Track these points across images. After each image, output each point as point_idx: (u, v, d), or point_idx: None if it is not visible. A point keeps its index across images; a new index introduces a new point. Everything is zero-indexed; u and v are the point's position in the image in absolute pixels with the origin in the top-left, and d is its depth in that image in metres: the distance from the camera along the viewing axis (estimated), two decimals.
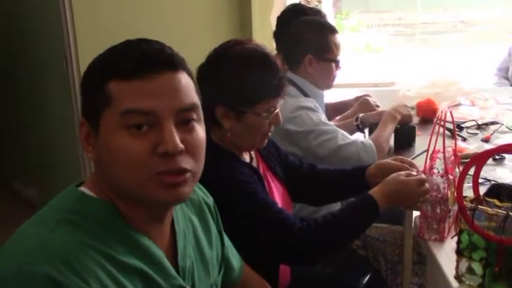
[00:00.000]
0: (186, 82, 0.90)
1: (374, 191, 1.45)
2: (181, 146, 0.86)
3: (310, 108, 2.00)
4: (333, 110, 2.51)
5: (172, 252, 0.98)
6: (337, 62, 2.14)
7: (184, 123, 0.89)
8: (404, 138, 2.16)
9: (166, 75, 0.88)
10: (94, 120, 0.88)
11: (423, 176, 1.47)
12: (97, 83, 0.88)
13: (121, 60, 0.87)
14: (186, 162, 0.88)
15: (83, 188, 0.92)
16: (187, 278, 0.99)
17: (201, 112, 0.93)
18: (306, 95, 2.09)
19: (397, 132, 2.15)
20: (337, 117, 2.46)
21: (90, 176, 0.95)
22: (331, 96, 2.57)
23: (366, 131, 2.24)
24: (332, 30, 2.14)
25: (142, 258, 0.89)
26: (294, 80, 2.09)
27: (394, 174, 1.48)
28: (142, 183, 0.86)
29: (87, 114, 0.90)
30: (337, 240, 1.42)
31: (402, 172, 1.49)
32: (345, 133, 2.02)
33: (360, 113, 2.32)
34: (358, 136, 2.22)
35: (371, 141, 2.00)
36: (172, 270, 0.94)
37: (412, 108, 2.58)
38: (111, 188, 0.90)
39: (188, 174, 0.89)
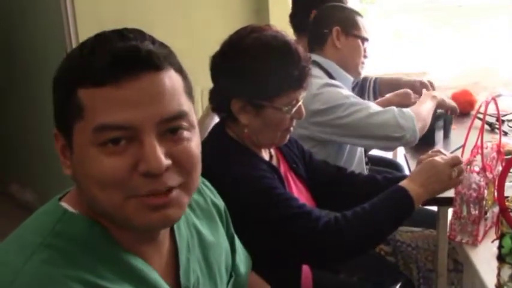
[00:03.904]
0: (172, 84, 0.82)
1: (404, 183, 1.45)
2: (165, 163, 0.80)
3: (337, 86, 2.00)
4: (387, 87, 2.50)
5: (174, 268, 0.96)
6: (365, 40, 2.15)
7: (171, 133, 0.82)
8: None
9: (145, 78, 0.80)
10: (67, 133, 0.83)
11: (445, 152, 1.49)
12: (65, 90, 0.82)
13: (89, 63, 0.80)
14: (173, 179, 0.83)
15: (65, 204, 0.87)
16: None
17: (192, 117, 0.86)
18: (332, 77, 2.09)
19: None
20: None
21: (73, 189, 0.90)
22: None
23: None
24: (358, 13, 2.18)
25: (136, 282, 0.86)
26: (320, 62, 2.09)
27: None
28: (121, 206, 0.81)
29: (59, 125, 0.85)
30: (369, 237, 1.41)
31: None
32: (377, 105, 2.01)
33: (395, 104, 2.31)
34: None
35: (409, 110, 1.97)
36: None
37: None
38: (92, 207, 0.85)
39: (175, 192, 0.83)
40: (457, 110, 2.23)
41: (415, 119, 1.92)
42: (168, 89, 0.82)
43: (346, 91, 2.00)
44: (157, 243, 0.92)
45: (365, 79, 2.58)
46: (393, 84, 2.52)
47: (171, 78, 0.82)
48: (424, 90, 2.20)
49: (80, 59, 0.82)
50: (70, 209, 0.86)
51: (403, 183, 1.45)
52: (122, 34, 0.82)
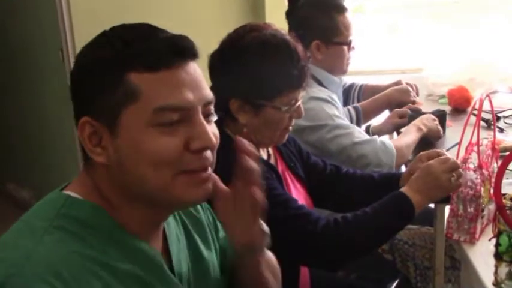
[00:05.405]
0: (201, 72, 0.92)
1: (403, 189, 1.45)
2: (215, 141, 0.89)
3: (324, 99, 1.98)
4: (370, 93, 2.51)
5: (167, 257, 0.98)
6: (348, 44, 2.11)
7: (206, 117, 0.90)
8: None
9: (190, 64, 0.88)
10: (108, 119, 0.85)
11: (445, 153, 1.50)
12: (110, 76, 0.85)
13: (143, 50, 0.85)
14: (211, 157, 0.91)
15: (68, 191, 0.90)
16: (184, 284, 0.99)
17: None
18: (320, 83, 2.08)
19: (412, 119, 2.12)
20: (367, 100, 2.44)
21: (76, 179, 0.93)
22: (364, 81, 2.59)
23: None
24: (339, 9, 2.10)
25: (140, 263, 0.89)
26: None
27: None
28: (170, 183, 0.86)
29: (95, 112, 0.86)
30: (368, 241, 1.42)
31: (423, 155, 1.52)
32: (362, 131, 2.00)
33: (394, 100, 2.31)
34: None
35: (392, 143, 1.97)
36: (172, 276, 0.95)
37: (443, 96, 2.57)
38: (122, 192, 0.89)
39: (210, 169, 0.91)
40: (439, 133, 2.14)
41: (395, 156, 1.92)
42: (202, 76, 0.91)
43: (331, 108, 1.97)
44: (159, 228, 0.96)
45: (351, 86, 2.59)
46: (375, 88, 2.55)
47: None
48: (413, 122, 2.12)
49: (127, 46, 0.86)
50: (73, 194, 0.89)
51: (403, 189, 1.45)
52: (150, 25, 0.90)
